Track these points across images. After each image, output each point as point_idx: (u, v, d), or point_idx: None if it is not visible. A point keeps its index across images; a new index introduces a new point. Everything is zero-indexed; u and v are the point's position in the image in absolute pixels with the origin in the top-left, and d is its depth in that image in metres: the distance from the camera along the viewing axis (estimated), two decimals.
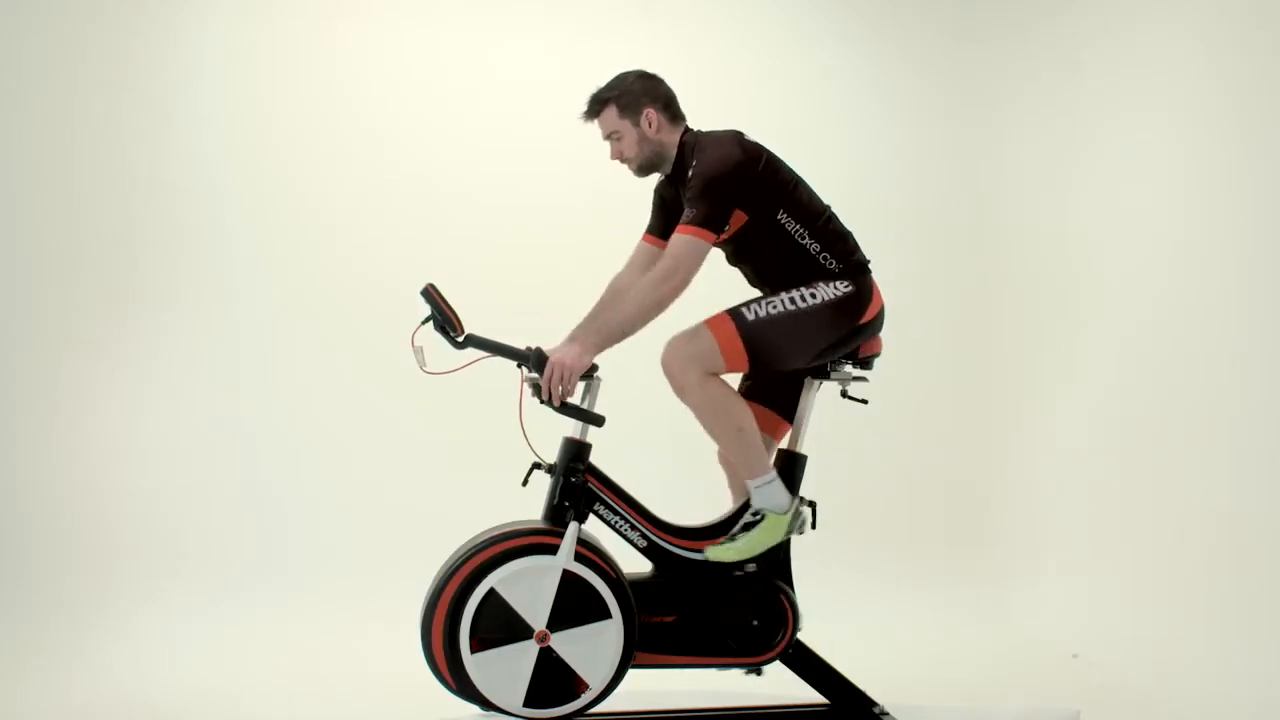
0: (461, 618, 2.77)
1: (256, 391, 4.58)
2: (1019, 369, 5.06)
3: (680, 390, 2.86)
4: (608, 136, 3.02)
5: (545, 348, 2.97)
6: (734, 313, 2.87)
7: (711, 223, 2.80)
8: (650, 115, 2.97)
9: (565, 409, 2.88)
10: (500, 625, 2.79)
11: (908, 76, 5.20)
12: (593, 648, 2.80)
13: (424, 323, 2.84)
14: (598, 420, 2.90)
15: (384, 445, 4.60)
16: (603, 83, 3.01)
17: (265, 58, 4.67)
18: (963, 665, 4.12)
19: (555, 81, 4.82)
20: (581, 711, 2.84)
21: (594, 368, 2.97)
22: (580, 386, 3.00)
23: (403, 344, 2.83)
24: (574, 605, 2.80)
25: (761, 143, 2.98)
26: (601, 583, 2.80)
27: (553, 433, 2.94)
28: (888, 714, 3.05)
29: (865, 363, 3.07)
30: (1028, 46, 5.10)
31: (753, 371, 2.97)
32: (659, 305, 2.79)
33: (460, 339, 2.83)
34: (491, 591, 2.77)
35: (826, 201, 3.03)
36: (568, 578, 2.79)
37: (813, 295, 2.88)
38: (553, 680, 2.81)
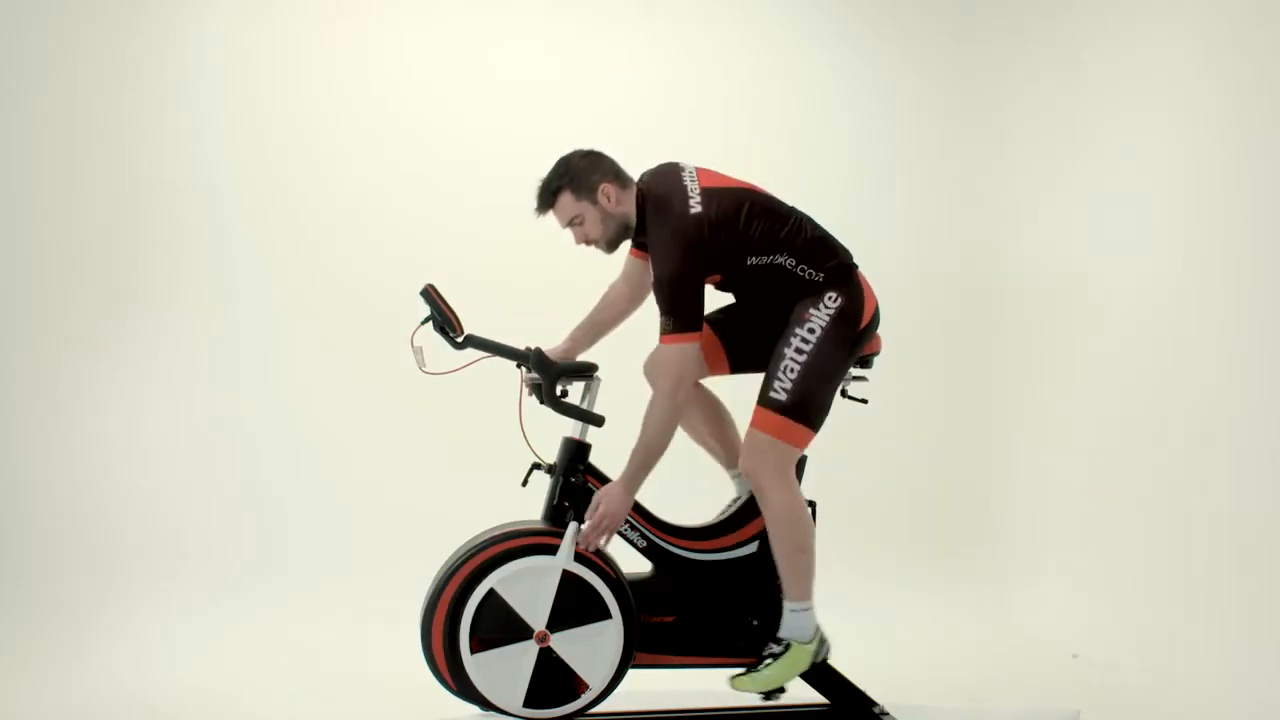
0: (461, 618, 2.77)
1: (256, 391, 4.58)
2: (1019, 369, 5.05)
3: (762, 498, 2.87)
4: (568, 224, 2.94)
5: (545, 348, 2.98)
6: (765, 402, 2.86)
7: (689, 323, 2.78)
8: (606, 190, 2.90)
9: (565, 409, 2.89)
10: (500, 626, 2.79)
11: (908, 76, 5.20)
12: (592, 648, 2.80)
13: (424, 323, 2.84)
14: (597, 420, 2.90)
15: (384, 445, 4.60)
16: (548, 170, 2.94)
17: (265, 58, 4.67)
18: (963, 665, 4.12)
19: (555, 81, 4.85)
20: (581, 711, 2.85)
21: (594, 368, 2.98)
22: (580, 386, 3.00)
23: (402, 344, 2.83)
24: (574, 605, 2.80)
25: (698, 184, 2.87)
26: (601, 583, 2.81)
27: (552, 433, 2.94)
28: (888, 714, 3.05)
29: (865, 362, 3.07)
30: (1028, 46, 5.10)
31: (816, 431, 2.93)
32: (677, 415, 2.84)
33: (460, 339, 2.83)
34: (491, 592, 2.77)
35: (793, 207, 2.97)
36: (567, 578, 2.79)
37: (811, 331, 2.86)
38: (553, 680, 2.81)
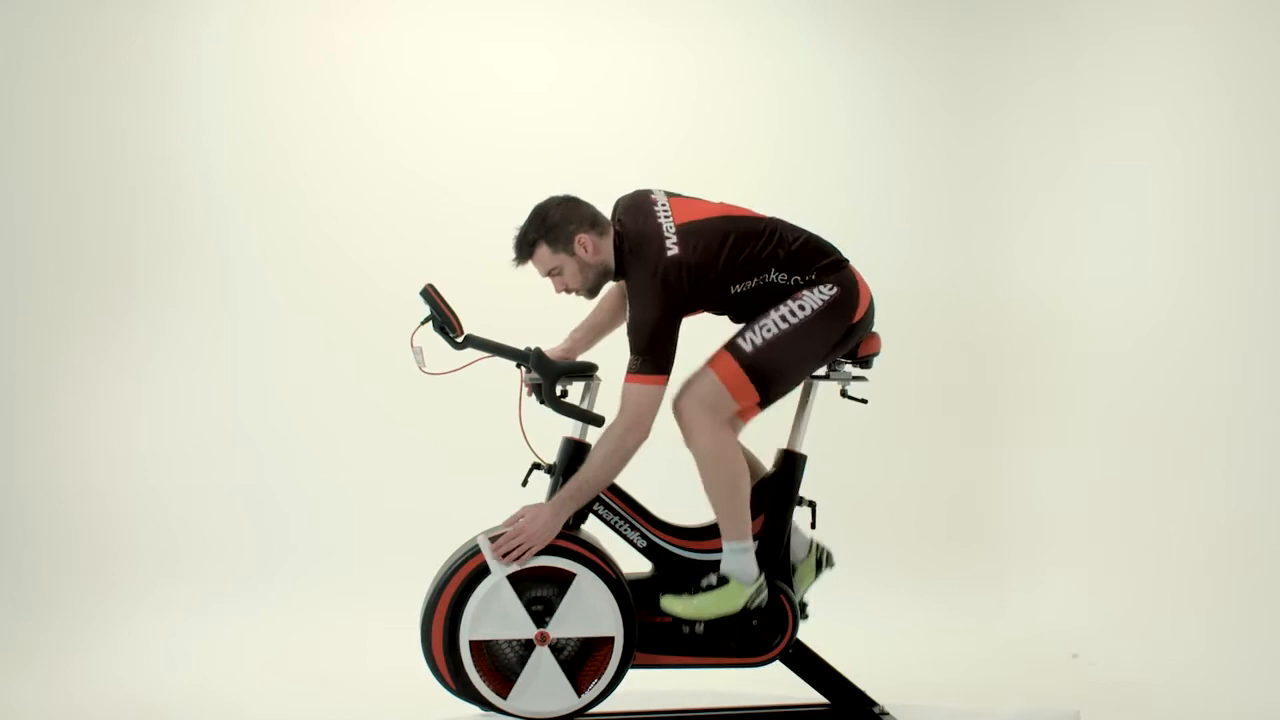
0: (461, 618, 2.77)
1: (256, 391, 4.58)
2: (1018, 369, 5.05)
3: (688, 435, 2.85)
4: (547, 274, 2.90)
5: (544, 348, 2.97)
6: (731, 347, 2.84)
7: (658, 367, 2.74)
8: (583, 240, 2.84)
9: (565, 409, 2.89)
10: (507, 660, 2.83)
11: (908, 76, 5.20)
12: (584, 606, 2.80)
13: (423, 323, 2.84)
14: (597, 420, 2.90)
15: (384, 445, 4.60)
16: (524, 220, 2.89)
17: (265, 58, 4.67)
18: (963, 665, 4.12)
19: (556, 82, 4.85)
20: (582, 711, 2.85)
21: (593, 368, 2.98)
22: (580, 386, 3.00)
23: (402, 344, 2.83)
24: (540, 593, 2.82)
25: (672, 220, 2.84)
26: (546, 555, 2.79)
27: (552, 433, 2.94)
28: (888, 714, 3.05)
29: (864, 362, 3.06)
30: (1027, 46, 5.09)
31: (764, 402, 2.92)
32: (624, 458, 2.79)
33: (460, 339, 2.83)
34: (473, 643, 2.78)
35: (770, 217, 2.94)
36: (516, 579, 2.79)
37: (801, 307, 2.85)
38: (579, 659, 2.84)
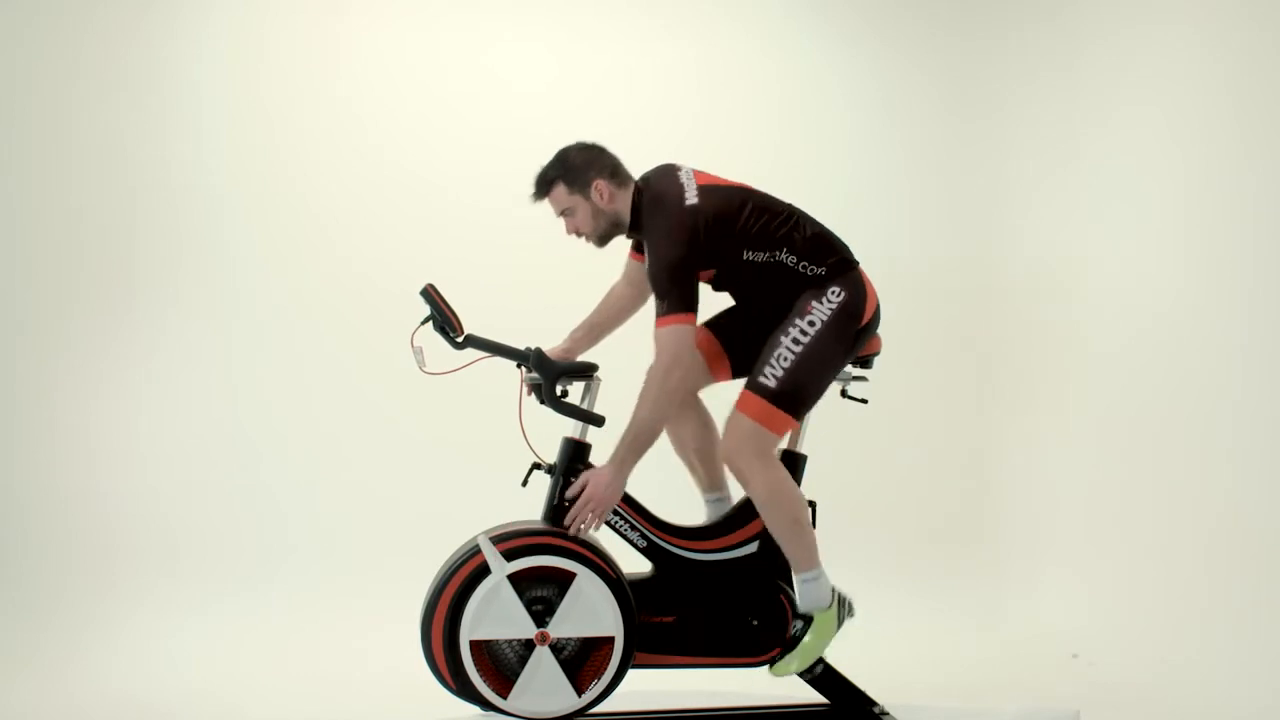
0: (462, 618, 2.77)
1: (256, 391, 4.58)
2: (1018, 368, 5.05)
3: (744, 484, 2.88)
4: (561, 214, 2.97)
5: (545, 348, 2.97)
6: (754, 386, 2.86)
7: (685, 304, 2.79)
8: (599, 186, 2.92)
9: (565, 409, 2.89)
10: (507, 660, 2.82)
11: (908, 76, 5.20)
12: (584, 606, 2.80)
13: (424, 323, 2.84)
14: (598, 420, 2.90)
15: (384, 445, 4.60)
16: (547, 159, 2.98)
17: (266, 59, 4.67)
18: (963, 665, 4.12)
19: (555, 81, 4.85)
20: (582, 711, 2.85)
21: (593, 367, 2.98)
22: (580, 386, 3.00)
23: (403, 344, 2.83)
24: (541, 593, 2.81)
25: (694, 182, 2.90)
26: (545, 555, 2.79)
27: (553, 433, 2.94)
28: (888, 714, 3.05)
29: (865, 362, 3.07)
30: (1027, 46, 5.10)
31: (799, 418, 2.95)
32: (671, 400, 2.82)
33: (460, 339, 2.83)
34: (474, 643, 2.77)
35: (795, 206, 2.97)
36: (516, 579, 2.79)
37: (810, 324, 2.86)
38: (578, 659, 2.83)
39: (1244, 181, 4.11)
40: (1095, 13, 4.83)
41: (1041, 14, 5.07)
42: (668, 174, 2.96)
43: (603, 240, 3.00)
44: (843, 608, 2.99)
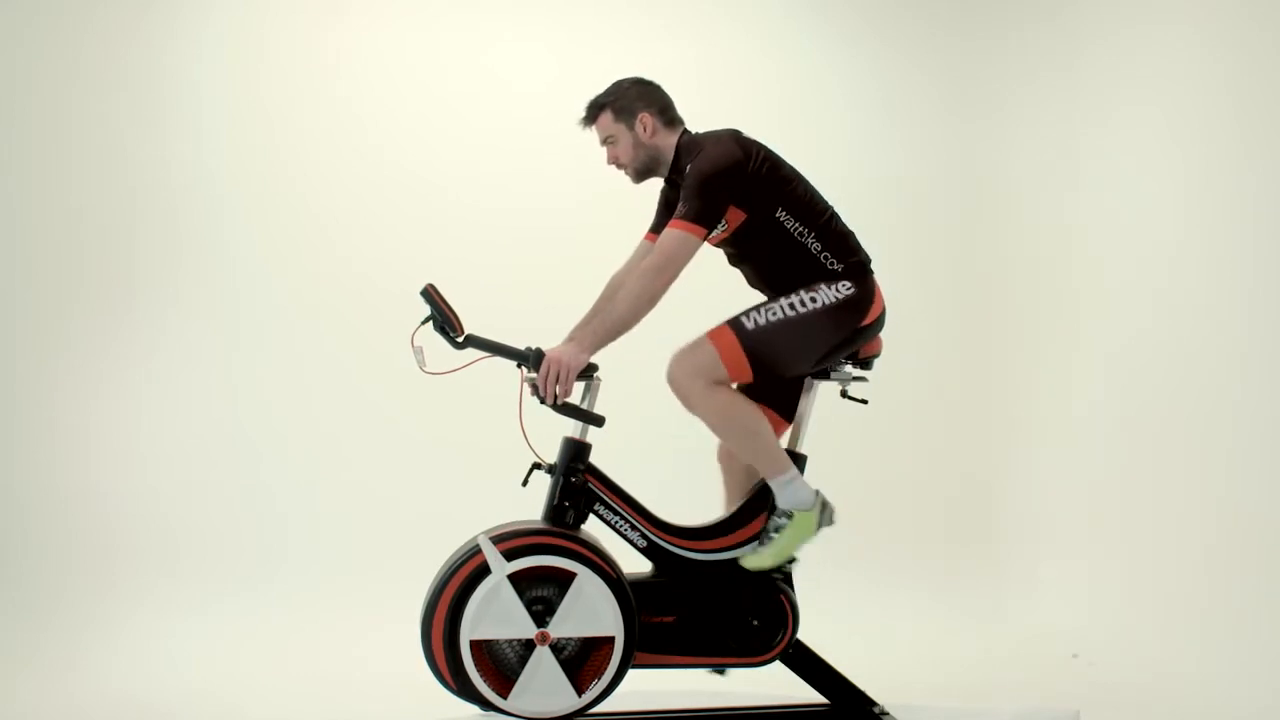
0: (462, 618, 2.77)
1: (256, 391, 4.58)
2: (1018, 368, 5.06)
3: (687, 403, 2.86)
4: (604, 141, 3.04)
5: (545, 348, 2.97)
6: (734, 323, 2.86)
7: (704, 218, 2.80)
8: (645, 120, 2.99)
9: (565, 409, 2.88)
10: (508, 660, 2.82)
11: (908, 76, 5.20)
12: (584, 606, 2.80)
13: (424, 323, 2.84)
14: (598, 420, 2.90)
15: (384, 445, 4.60)
16: (601, 88, 3.04)
17: (266, 59, 4.67)
18: (963, 665, 4.12)
19: (555, 81, 4.84)
20: (582, 711, 2.85)
21: (593, 367, 2.97)
22: (580, 386, 3.00)
23: (403, 344, 2.83)
24: (541, 593, 2.81)
25: (762, 141, 2.98)
26: (544, 555, 2.79)
27: (553, 433, 2.94)
28: (888, 714, 3.05)
29: (865, 363, 3.07)
30: (1027, 46, 5.10)
31: (755, 378, 2.95)
32: (652, 299, 2.80)
33: (460, 339, 2.83)
34: (474, 643, 2.77)
35: (829, 202, 3.03)
36: (516, 579, 2.79)
37: (813, 299, 2.87)
38: (582, 658, 2.83)
39: (1244, 181, 4.11)
40: (1095, 13, 4.83)
41: (1041, 14, 5.07)
42: (722, 131, 3.01)
43: (640, 175, 3.05)
44: (824, 512, 2.95)
